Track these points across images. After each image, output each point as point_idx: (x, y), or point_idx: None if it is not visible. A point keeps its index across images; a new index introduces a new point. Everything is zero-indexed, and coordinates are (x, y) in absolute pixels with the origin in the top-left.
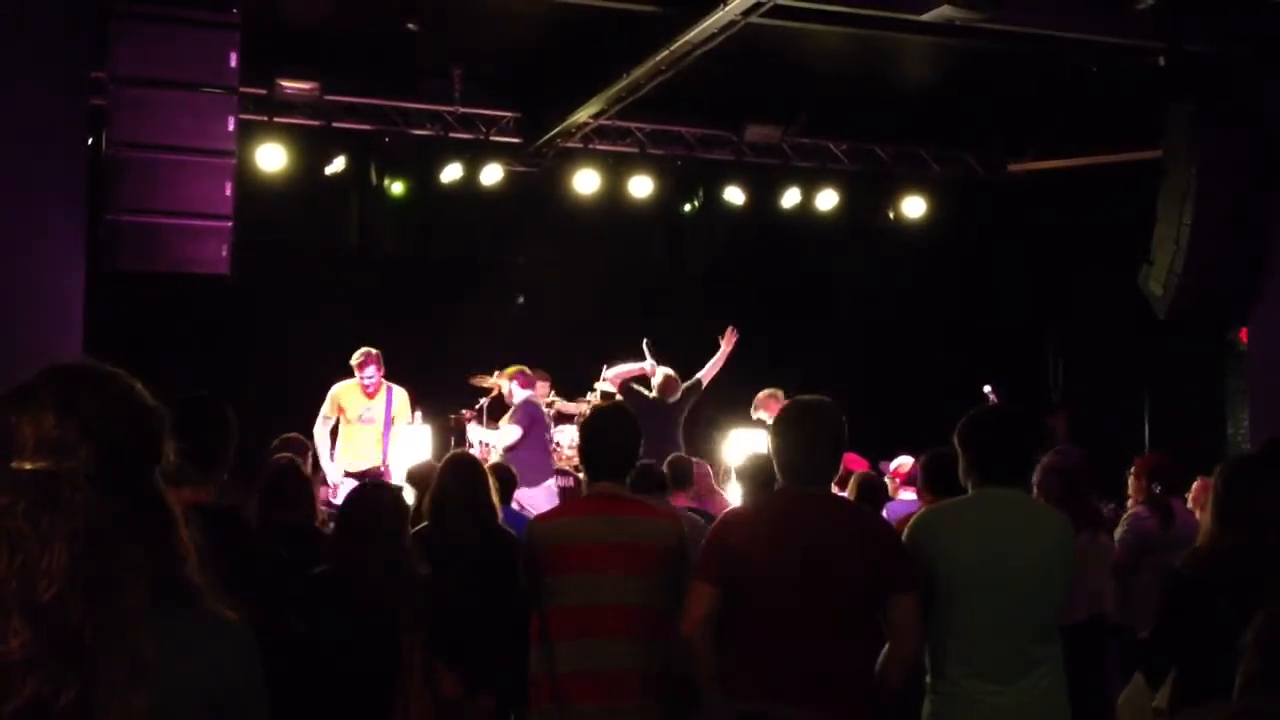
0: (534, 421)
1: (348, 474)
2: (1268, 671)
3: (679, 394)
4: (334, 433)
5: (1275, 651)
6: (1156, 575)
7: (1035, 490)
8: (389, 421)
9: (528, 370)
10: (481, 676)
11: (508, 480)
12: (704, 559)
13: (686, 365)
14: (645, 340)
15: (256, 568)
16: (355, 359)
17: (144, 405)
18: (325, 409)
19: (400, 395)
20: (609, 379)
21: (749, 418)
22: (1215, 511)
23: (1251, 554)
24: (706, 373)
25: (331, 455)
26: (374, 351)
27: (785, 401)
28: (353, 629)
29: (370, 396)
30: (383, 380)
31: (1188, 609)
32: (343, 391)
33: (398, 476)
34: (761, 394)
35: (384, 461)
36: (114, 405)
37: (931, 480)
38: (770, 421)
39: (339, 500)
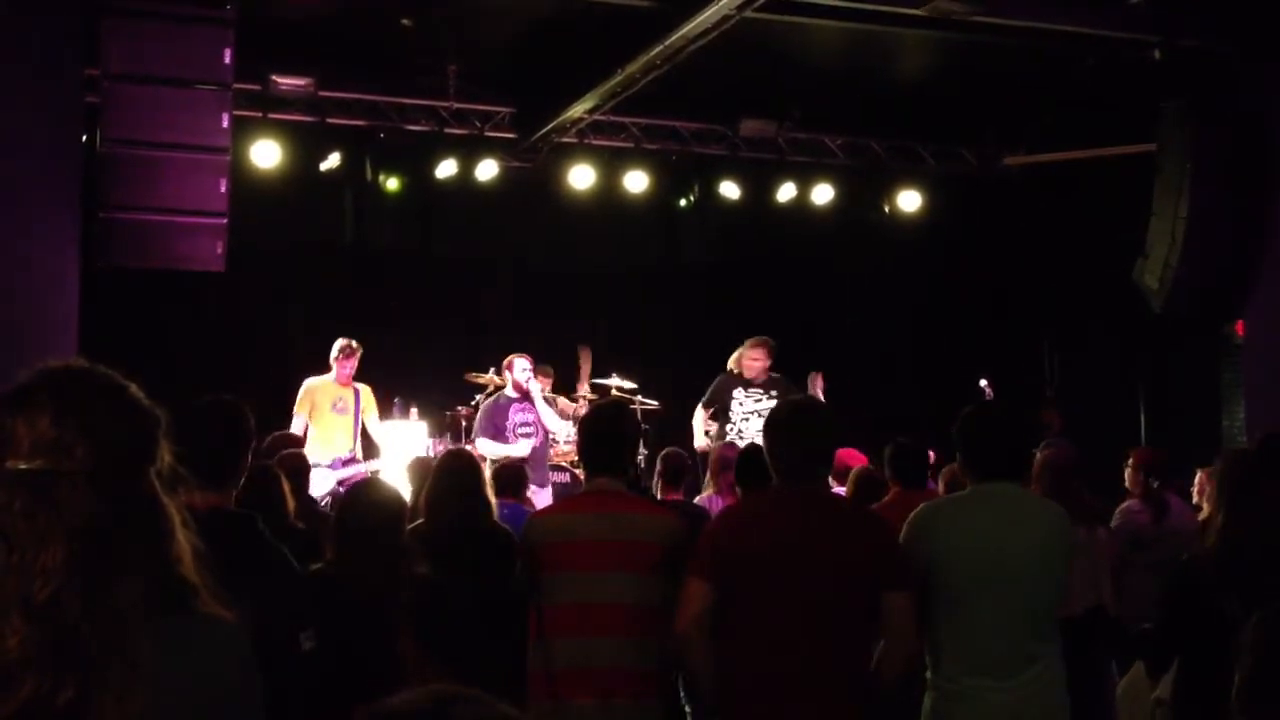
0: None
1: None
2: (1262, 673)
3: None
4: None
5: (1269, 653)
6: (1147, 569)
7: (1032, 485)
8: (358, 413)
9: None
10: (476, 673)
11: (517, 477)
12: (699, 556)
13: (683, 358)
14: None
15: (268, 577)
16: (341, 351)
17: (140, 407)
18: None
19: (367, 392)
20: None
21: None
22: (1218, 508)
23: (1256, 551)
24: None
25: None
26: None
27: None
28: (345, 627)
29: (344, 386)
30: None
31: (1192, 604)
32: (317, 386)
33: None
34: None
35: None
36: (110, 407)
37: (898, 470)
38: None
39: (318, 493)
